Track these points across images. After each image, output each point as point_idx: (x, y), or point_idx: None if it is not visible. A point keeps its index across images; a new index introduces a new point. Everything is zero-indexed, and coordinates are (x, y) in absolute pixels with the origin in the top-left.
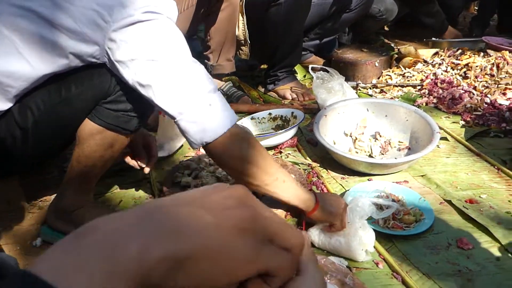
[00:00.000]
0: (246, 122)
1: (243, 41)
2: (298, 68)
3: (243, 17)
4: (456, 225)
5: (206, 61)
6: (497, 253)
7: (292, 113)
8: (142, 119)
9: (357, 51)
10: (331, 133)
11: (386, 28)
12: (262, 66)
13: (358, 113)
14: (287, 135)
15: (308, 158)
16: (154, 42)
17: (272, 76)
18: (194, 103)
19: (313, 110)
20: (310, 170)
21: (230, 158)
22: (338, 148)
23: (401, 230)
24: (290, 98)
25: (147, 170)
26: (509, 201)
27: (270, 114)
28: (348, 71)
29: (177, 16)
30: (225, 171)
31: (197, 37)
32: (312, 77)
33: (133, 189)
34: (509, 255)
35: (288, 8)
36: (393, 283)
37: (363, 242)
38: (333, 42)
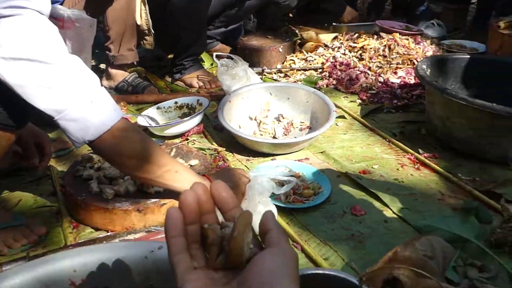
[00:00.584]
0: (152, 112)
1: (146, 31)
2: (205, 56)
3: (145, 6)
4: (350, 195)
5: (107, 52)
6: (385, 216)
7: (198, 100)
8: (25, 113)
9: (262, 38)
10: (237, 117)
11: (290, 15)
12: (169, 56)
13: (262, 97)
14: (192, 122)
15: (214, 143)
16: (19, 39)
17: (178, 65)
18: (73, 101)
19: (220, 97)
20: (217, 154)
21: (117, 155)
22: (242, 132)
23: (301, 204)
24: (197, 86)
25: (40, 169)
26: (397, 169)
27: (176, 103)
28: (253, 57)
29: (50, 9)
30: (114, 167)
31: (100, 29)
32: None
33: (33, 187)
34: (396, 217)
35: None
36: None
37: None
38: (239, 29)
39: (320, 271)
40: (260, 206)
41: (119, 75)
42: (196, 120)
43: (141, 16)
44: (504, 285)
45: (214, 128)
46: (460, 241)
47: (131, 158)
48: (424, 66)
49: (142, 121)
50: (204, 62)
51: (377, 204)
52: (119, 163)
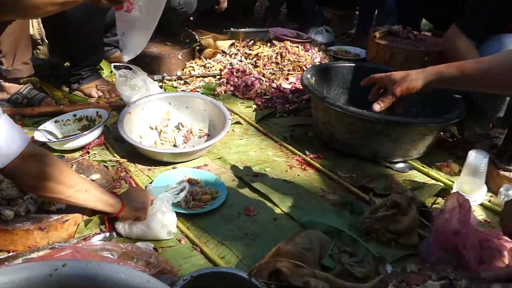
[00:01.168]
0: (49, 125)
1: (39, 40)
2: (103, 64)
3: None
4: (245, 197)
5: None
6: (275, 214)
7: (97, 112)
8: None
9: (161, 45)
10: (137, 128)
11: (191, 18)
12: (65, 64)
13: (161, 107)
14: (92, 135)
15: (116, 155)
16: None
17: (75, 75)
18: None
19: (120, 107)
20: (118, 166)
21: (27, 179)
22: (142, 143)
23: (200, 209)
24: (96, 96)
25: None
26: (286, 171)
27: (75, 115)
28: (153, 64)
29: None
30: (25, 190)
31: None
32: None
33: None
34: (284, 214)
35: (86, 5)
36: (194, 254)
37: (163, 223)
38: None
39: (215, 270)
40: (158, 214)
41: (13, 88)
42: (96, 133)
43: (33, 25)
44: (369, 266)
45: (115, 139)
46: (336, 232)
47: (41, 181)
48: (309, 75)
49: (39, 136)
50: (103, 70)
51: (268, 204)
52: (30, 187)
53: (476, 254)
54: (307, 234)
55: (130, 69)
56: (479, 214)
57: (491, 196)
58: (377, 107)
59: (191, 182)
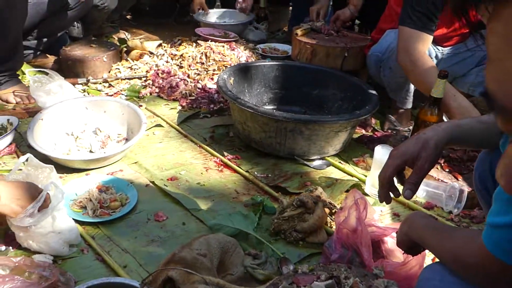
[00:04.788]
0: None
1: None
2: (26, 68)
3: None
4: (156, 203)
5: None
6: (185, 219)
7: (8, 120)
8: None
9: (86, 47)
10: (51, 135)
11: (128, 17)
12: None
13: (77, 112)
14: (2, 143)
15: None
16: None
17: None
18: None
19: None
20: None
21: None
22: (51, 151)
23: (108, 216)
24: (14, 102)
25: None
26: (201, 173)
27: None
28: (77, 68)
29: None
30: None
31: None
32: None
33: None
34: (194, 218)
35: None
36: (95, 264)
37: (64, 239)
38: (63, 38)
39: (105, 281)
40: (51, 234)
41: None
42: (5, 141)
43: None
44: (272, 267)
45: (28, 147)
46: (242, 234)
47: None
48: (225, 76)
49: None
50: (24, 74)
51: (179, 208)
52: None
53: (369, 251)
54: (206, 239)
55: (47, 74)
56: (390, 208)
57: None
58: (410, 194)
59: (100, 189)
